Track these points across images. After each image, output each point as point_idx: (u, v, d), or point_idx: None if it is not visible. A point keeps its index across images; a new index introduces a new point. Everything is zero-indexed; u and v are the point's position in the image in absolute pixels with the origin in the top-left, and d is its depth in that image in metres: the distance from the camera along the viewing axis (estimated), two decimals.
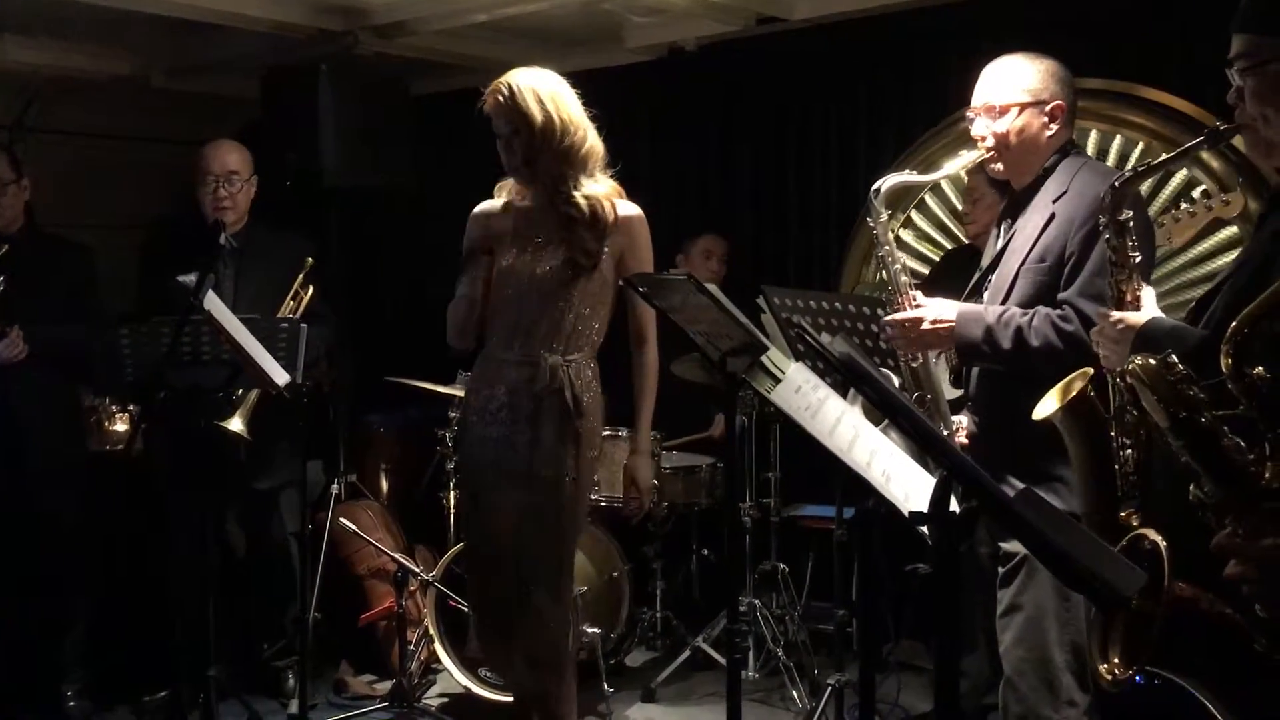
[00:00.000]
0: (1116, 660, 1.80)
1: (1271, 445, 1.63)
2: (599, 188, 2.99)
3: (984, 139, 2.78)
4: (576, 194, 2.94)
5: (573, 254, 2.96)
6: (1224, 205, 3.86)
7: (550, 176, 2.96)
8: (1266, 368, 1.61)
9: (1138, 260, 2.22)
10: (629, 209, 3.03)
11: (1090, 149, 4.32)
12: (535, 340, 3.00)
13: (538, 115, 2.92)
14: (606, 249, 3.01)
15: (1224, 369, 1.63)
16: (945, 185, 4.69)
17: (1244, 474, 1.65)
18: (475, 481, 3.13)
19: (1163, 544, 1.77)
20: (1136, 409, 1.76)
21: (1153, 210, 4.18)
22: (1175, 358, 1.70)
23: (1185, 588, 1.74)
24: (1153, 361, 1.71)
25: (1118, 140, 4.29)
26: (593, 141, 3.00)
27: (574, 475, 3.02)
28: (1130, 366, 1.74)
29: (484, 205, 3.14)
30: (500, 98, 2.94)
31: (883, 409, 1.78)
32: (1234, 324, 1.62)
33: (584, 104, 3.02)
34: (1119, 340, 2.10)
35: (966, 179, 4.08)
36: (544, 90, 2.94)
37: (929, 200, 4.79)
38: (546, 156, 2.94)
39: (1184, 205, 3.91)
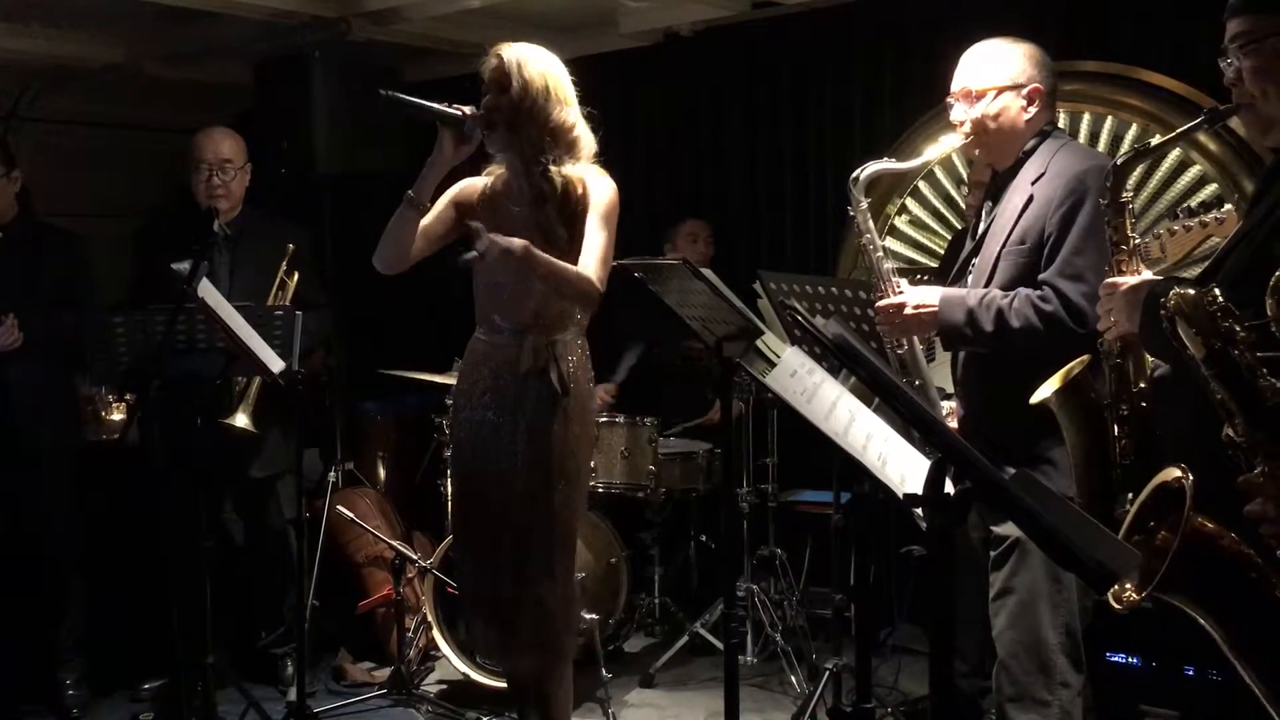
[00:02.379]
0: (1129, 586, 1.81)
1: None
2: (577, 170, 2.93)
3: (962, 123, 2.80)
4: (553, 169, 2.89)
5: (536, 234, 2.87)
6: (1218, 224, 3.82)
7: (532, 148, 2.90)
8: None
9: (1137, 242, 2.22)
10: (599, 183, 2.93)
11: (1084, 132, 4.32)
12: (515, 318, 2.96)
13: (526, 84, 2.87)
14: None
15: (1269, 311, 1.66)
16: (938, 172, 4.69)
17: (1277, 415, 1.67)
18: (464, 467, 3.10)
19: (1188, 478, 1.78)
20: (1173, 339, 1.76)
21: (1155, 211, 4.16)
22: (1217, 290, 1.71)
23: (1206, 523, 1.75)
24: (1191, 292, 1.73)
25: (1109, 121, 4.29)
26: (581, 131, 2.95)
27: (565, 453, 2.96)
28: (1171, 300, 1.75)
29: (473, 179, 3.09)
30: (495, 61, 2.91)
31: (877, 391, 1.78)
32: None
33: (579, 90, 2.98)
34: (1131, 304, 2.10)
35: (971, 165, 4.06)
36: (538, 65, 2.91)
37: (923, 189, 4.79)
38: (530, 128, 2.89)
39: (1181, 220, 3.84)
